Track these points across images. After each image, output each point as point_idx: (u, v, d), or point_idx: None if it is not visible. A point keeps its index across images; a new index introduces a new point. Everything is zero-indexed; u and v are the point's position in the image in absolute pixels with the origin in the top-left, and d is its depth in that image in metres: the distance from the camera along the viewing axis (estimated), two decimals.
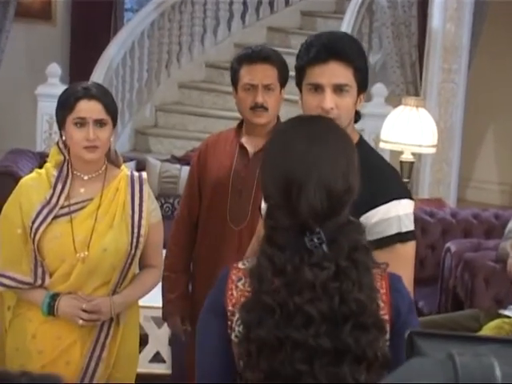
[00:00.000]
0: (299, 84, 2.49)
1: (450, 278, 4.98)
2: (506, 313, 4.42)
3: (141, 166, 6.51)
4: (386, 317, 1.89)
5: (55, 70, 7.38)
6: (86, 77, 7.05)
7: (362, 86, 2.52)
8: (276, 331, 1.81)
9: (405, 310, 1.92)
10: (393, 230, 2.42)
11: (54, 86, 6.93)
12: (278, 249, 1.86)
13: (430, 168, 7.27)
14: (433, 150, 6.70)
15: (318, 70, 2.43)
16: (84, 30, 8.77)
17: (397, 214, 2.42)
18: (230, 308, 1.92)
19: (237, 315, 1.90)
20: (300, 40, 9.15)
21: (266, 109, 3.27)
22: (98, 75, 7.51)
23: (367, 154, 2.49)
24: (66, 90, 3.04)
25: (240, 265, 1.98)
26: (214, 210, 3.34)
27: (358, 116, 2.56)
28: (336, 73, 2.43)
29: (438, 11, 7.13)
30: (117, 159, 3.07)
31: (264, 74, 3.27)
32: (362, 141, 2.56)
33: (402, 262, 2.43)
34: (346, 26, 7.58)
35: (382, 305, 1.89)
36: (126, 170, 3.09)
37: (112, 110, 2.98)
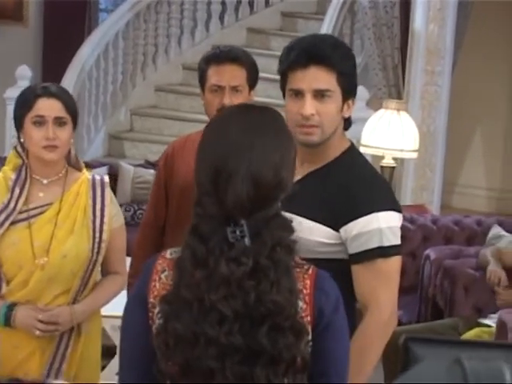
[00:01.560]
0: (283, 89, 2.46)
1: (430, 286, 4.98)
2: (486, 322, 4.39)
3: (114, 172, 6.48)
4: (308, 318, 1.84)
5: (25, 72, 7.29)
6: (59, 79, 6.93)
7: (349, 92, 2.46)
8: (192, 326, 1.78)
9: (329, 310, 1.86)
10: (373, 244, 2.34)
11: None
12: (200, 240, 1.81)
13: (413, 173, 7.18)
14: (414, 155, 6.60)
15: (298, 74, 2.40)
16: (57, 31, 8.68)
17: (378, 226, 2.34)
18: (152, 300, 1.90)
19: (157, 308, 1.87)
20: (280, 41, 8.95)
21: None
22: (70, 77, 7.47)
23: (354, 162, 2.47)
24: (25, 89, 3.02)
25: (167, 254, 1.94)
26: (182, 213, 3.23)
27: (347, 123, 2.49)
28: (317, 77, 2.39)
29: (421, 12, 7.03)
30: (77, 163, 3.03)
31: (232, 75, 3.19)
32: (351, 149, 2.50)
33: (384, 278, 2.35)
34: (327, 27, 7.54)
35: (304, 306, 1.84)
36: (88, 173, 3.04)
37: (72, 108, 2.94)
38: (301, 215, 2.38)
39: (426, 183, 7.21)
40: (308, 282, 1.85)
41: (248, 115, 1.90)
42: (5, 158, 6.46)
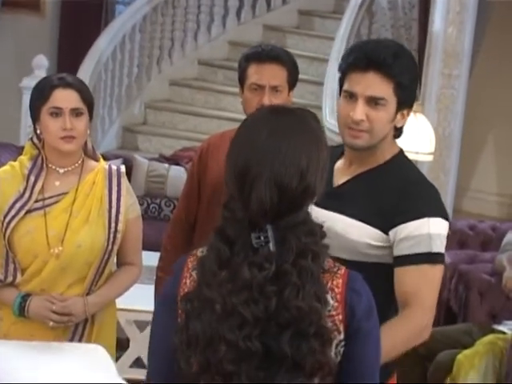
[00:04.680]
0: (340, 87, 2.44)
1: (444, 290, 4.93)
2: (501, 328, 4.36)
3: (128, 164, 6.38)
4: (340, 316, 1.82)
5: (42, 62, 7.26)
6: (75, 70, 6.94)
7: (404, 103, 2.42)
8: (212, 327, 1.77)
9: (361, 312, 1.84)
10: (422, 249, 2.32)
11: (39, 79, 6.73)
12: (226, 242, 1.80)
13: (427, 176, 7.11)
14: (430, 158, 6.57)
15: (356, 77, 2.37)
16: (73, 22, 8.66)
17: (428, 232, 2.32)
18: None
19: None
20: (297, 39, 8.94)
21: None
22: (86, 68, 7.44)
23: (404, 167, 2.47)
24: (41, 80, 2.99)
25: (198, 252, 1.92)
26: (212, 211, 3.16)
27: (399, 132, 2.48)
28: (373, 84, 2.36)
29: (440, 14, 7.00)
30: (94, 153, 3.03)
31: (272, 74, 3.13)
32: (400, 155, 2.50)
33: (428, 284, 2.33)
34: (345, 26, 7.47)
35: (335, 304, 1.82)
36: (104, 163, 3.03)
37: (88, 99, 2.94)
38: (350, 216, 2.39)
39: (439, 186, 7.08)
40: (340, 281, 1.84)
41: (278, 118, 1.86)
42: (20, 148, 6.54)
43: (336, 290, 1.82)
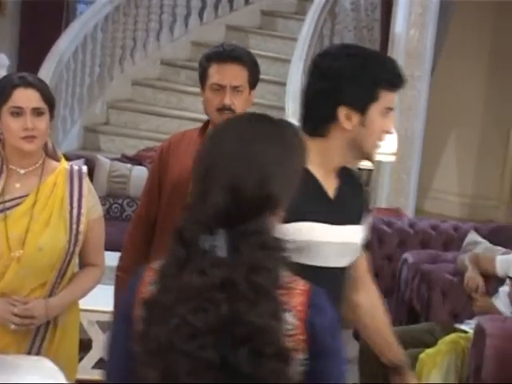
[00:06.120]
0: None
1: (407, 289, 4.95)
2: (463, 327, 4.40)
3: (90, 165, 6.33)
4: (301, 336, 1.74)
5: (2, 61, 7.20)
6: (36, 69, 6.87)
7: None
8: (169, 335, 1.70)
9: (324, 328, 1.76)
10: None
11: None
12: (183, 244, 1.74)
13: (389, 177, 7.18)
14: (392, 158, 6.60)
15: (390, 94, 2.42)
16: (34, 21, 8.62)
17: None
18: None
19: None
20: (259, 40, 8.89)
21: (233, 111, 3.14)
22: (47, 68, 7.39)
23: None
24: (1, 79, 2.99)
25: (156, 265, 1.83)
26: (172, 210, 3.19)
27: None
28: None
29: (402, 16, 7.03)
30: (55, 153, 3.01)
31: (234, 74, 3.14)
32: None
33: None
34: (308, 27, 7.49)
35: (296, 323, 1.74)
36: (66, 163, 3.01)
37: (49, 98, 2.92)
38: (354, 223, 2.50)
39: (401, 187, 7.22)
40: (301, 298, 1.76)
41: (250, 124, 1.84)
42: None
43: (298, 307, 1.75)
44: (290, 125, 1.89)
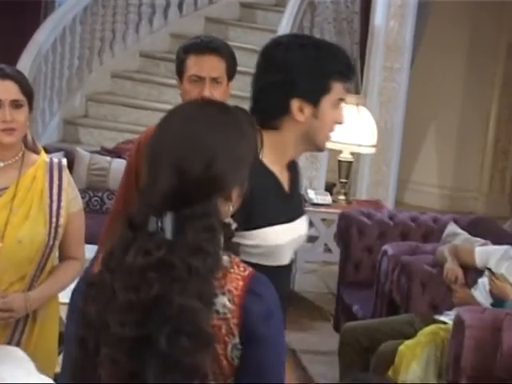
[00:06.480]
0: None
1: (386, 281, 4.95)
2: (442, 318, 4.42)
3: (69, 157, 6.31)
4: (235, 320, 1.74)
5: None
6: (14, 62, 6.80)
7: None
8: (99, 309, 1.74)
9: (259, 315, 1.75)
10: None
11: None
12: (132, 227, 1.75)
13: (369, 169, 7.20)
14: (372, 150, 6.62)
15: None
16: (12, 13, 8.48)
17: None
18: None
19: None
20: (239, 32, 8.87)
21: None
22: (25, 60, 7.31)
23: None
24: None
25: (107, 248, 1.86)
26: None
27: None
28: None
29: (382, 8, 7.06)
30: (34, 145, 2.99)
31: (212, 66, 3.14)
32: None
33: None
34: (287, 19, 7.47)
35: (232, 307, 1.74)
36: (45, 156, 3.00)
37: (28, 90, 2.91)
38: (300, 215, 2.48)
39: (381, 179, 7.25)
40: (240, 283, 1.76)
41: (199, 107, 1.85)
42: None
43: (234, 292, 1.75)
44: (243, 112, 1.88)
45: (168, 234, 1.71)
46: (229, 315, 1.73)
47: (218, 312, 1.73)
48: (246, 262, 1.82)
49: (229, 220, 1.81)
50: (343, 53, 2.41)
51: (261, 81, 2.41)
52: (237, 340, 1.74)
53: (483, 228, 5.31)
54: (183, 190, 1.73)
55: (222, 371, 1.74)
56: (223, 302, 1.73)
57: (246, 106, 2.30)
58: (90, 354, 1.76)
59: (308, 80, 2.32)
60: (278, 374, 1.78)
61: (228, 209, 1.80)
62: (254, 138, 1.86)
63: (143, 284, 1.69)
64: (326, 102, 2.36)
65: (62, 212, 2.92)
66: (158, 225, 1.71)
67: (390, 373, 4.16)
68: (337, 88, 2.36)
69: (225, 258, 1.76)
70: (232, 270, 1.77)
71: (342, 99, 2.39)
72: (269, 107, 2.37)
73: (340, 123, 2.39)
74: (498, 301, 4.30)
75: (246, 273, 1.78)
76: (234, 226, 1.82)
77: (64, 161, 3.00)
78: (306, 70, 2.32)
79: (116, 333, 1.70)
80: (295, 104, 2.34)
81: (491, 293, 4.39)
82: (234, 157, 1.78)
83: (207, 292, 1.71)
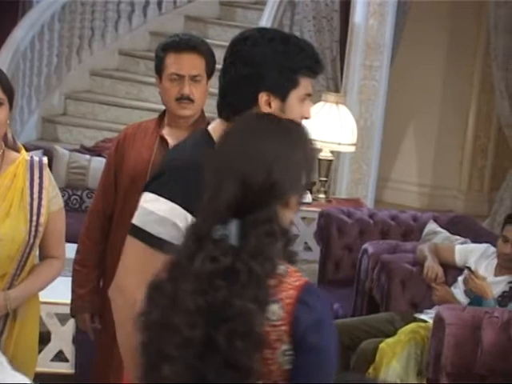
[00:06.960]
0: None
1: (367, 279, 4.96)
2: (422, 317, 4.44)
3: (48, 156, 6.21)
4: (284, 327, 1.83)
5: None
6: None
7: None
8: (166, 314, 1.85)
9: (308, 324, 1.84)
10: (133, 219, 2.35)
11: None
12: (195, 236, 1.87)
13: (349, 167, 7.20)
14: (352, 149, 6.63)
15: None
16: None
17: (141, 204, 2.36)
18: None
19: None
20: (219, 30, 8.85)
21: (191, 101, 3.19)
22: (3, 58, 7.28)
23: None
24: None
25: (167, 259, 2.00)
26: (129, 202, 3.17)
27: None
28: None
29: (361, 6, 7.06)
30: (14, 144, 2.96)
31: (192, 64, 3.17)
32: None
33: (123, 256, 2.38)
34: (267, 17, 7.49)
35: (283, 315, 1.83)
36: (26, 154, 2.97)
37: (8, 89, 2.87)
38: None
39: (361, 177, 7.25)
40: (293, 292, 1.85)
41: (255, 121, 1.99)
42: None
43: (286, 300, 1.84)
44: (294, 122, 2.02)
45: (233, 240, 1.82)
46: (279, 322, 1.82)
47: (268, 319, 1.81)
48: None
49: (288, 227, 1.92)
50: (311, 48, 2.40)
51: (229, 75, 2.37)
52: (286, 346, 1.83)
53: (463, 226, 5.33)
54: (246, 198, 1.85)
55: (270, 375, 1.83)
56: (274, 309, 1.82)
57: None
58: (152, 356, 1.86)
59: (276, 74, 2.32)
60: (327, 382, 1.87)
61: (287, 216, 1.92)
62: (306, 143, 1.97)
63: (210, 288, 1.80)
64: (294, 96, 2.36)
65: (43, 210, 2.90)
66: (222, 232, 1.82)
67: (370, 371, 4.18)
68: (304, 83, 2.36)
69: (281, 267, 1.86)
70: (286, 280, 1.86)
71: (309, 94, 2.39)
72: (237, 100, 2.36)
73: (307, 118, 2.39)
74: (475, 299, 4.32)
75: (299, 283, 1.87)
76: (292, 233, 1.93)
77: (45, 159, 2.98)
78: (274, 64, 2.32)
79: (184, 334, 1.80)
80: (263, 97, 2.33)
81: (466, 293, 4.40)
82: (290, 165, 1.90)
83: (262, 296, 1.81)
